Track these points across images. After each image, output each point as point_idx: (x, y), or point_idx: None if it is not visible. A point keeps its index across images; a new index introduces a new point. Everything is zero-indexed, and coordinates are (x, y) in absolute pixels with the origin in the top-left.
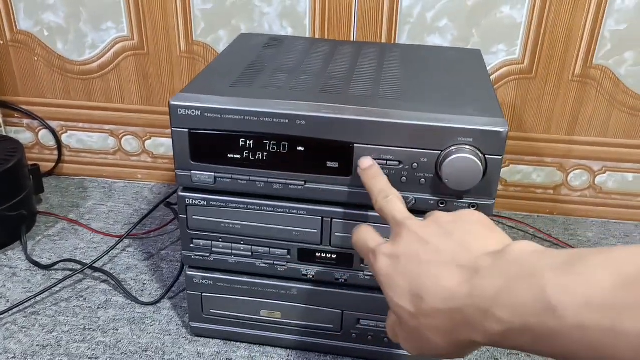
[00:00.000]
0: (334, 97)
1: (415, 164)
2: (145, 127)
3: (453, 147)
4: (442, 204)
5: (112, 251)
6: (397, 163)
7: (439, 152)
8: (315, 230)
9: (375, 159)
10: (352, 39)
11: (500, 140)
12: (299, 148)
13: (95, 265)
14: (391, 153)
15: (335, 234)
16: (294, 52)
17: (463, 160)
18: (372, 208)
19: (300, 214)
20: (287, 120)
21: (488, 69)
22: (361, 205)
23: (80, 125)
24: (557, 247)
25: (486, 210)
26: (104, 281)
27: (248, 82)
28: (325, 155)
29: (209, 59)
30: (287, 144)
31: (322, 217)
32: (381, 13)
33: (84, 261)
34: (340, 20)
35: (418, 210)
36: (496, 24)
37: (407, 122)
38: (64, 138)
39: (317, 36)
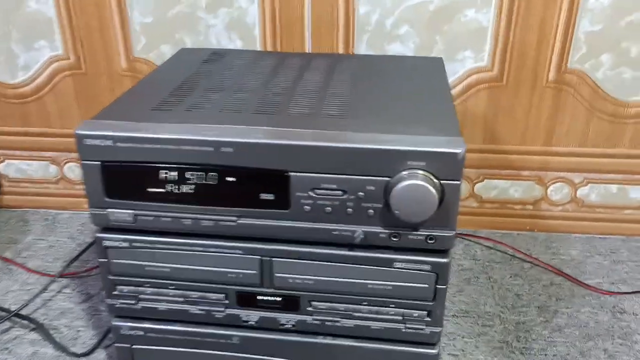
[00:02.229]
0: (268, 118)
1: (362, 193)
2: None
3: (403, 173)
4: (395, 237)
5: (46, 293)
6: (340, 193)
7: (388, 179)
8: (254, 272)
9: (315, 189)
10: (306, 50)
11: (456, 163)
12: (228, 179)
13: (23, 312)
14: (333, 181)
15: (278, 274)
16: (234, 68)
17: (414, 187)
18: (317, 244)
19: (235, 254)
20: (212, 148)
21: (454, 77)
22: (305, 242)
23: (18, 153)
24: (537, 267)
25: (445, 243)
26: (33, 329)
27: (173, 104)
28: (258, 186)
29: None
30: (215, 174)
31: (261, 256)
32: (336, 21)
33: (13, 307)
34: (293, 30)
35: (368, 246)
36: (461, 29)
37: (348, 146)
38: (1, 167)
39: (268, 48)
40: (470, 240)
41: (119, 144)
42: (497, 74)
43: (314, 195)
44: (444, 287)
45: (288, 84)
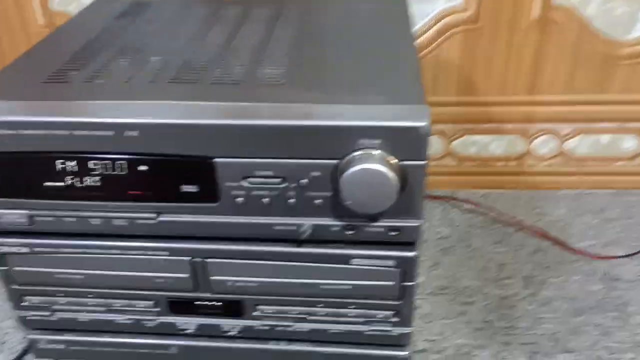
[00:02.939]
0: (187, 89)
1: (305, 180)
2: None
3: (354, 154)
4: (350, 230)
5: None
6: (278, 180)
7: (336, 161)
8: (186, 275)
9: (247, 177)
10: None
11: (419, 140)
12: (140, 168)
13: None
14: (269, 167)
15: (214, 277)
16: (155, 22)
17: (367, 172)
18: (255, 240)
19: (160, 255)
20: (112, 132)
21: (424, 21)
22: (241, 238)
23: None
24: (522, 232)
25: (411, 234)
26: None
27: (70, 74)
28: (177, 176)
29: None
30: (121, 164)
31: (192, 257)
32: None
33: None
34: None
35: (319, 240)
36: None
37: (284, 123)
38: None
39: None
40: (447, 204)
41: (1, 131)
42: (473, 14)
43: (247, 185)
44: (413, 283)
45: (217, 42)
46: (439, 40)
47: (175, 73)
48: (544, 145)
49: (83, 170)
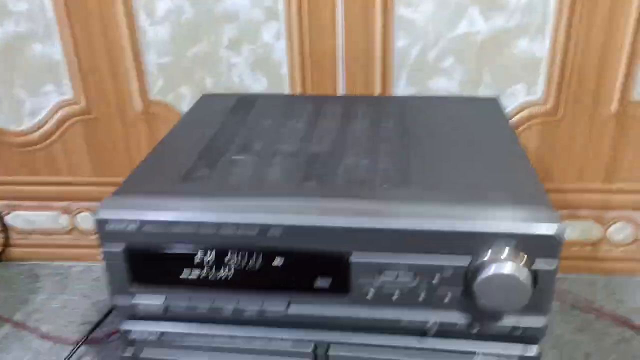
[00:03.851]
0: (319, 188)
1: (436, 279)
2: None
3: (488, 256)
4: (474, 328)
5: None
6: (410, 279)
7: (469, 261)
8: None
9: (380, 273)
10: (339, 90)
11: (552, 244)
12: (276, 262)
13: None
14: (402, 266)
15: None
16: (266, 117)
17: (502, 278)
18: (381, 333)
19: (286, 344)
20: (255, 232)
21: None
22: (367, 330)
23: (26, 203)
24: (603, 320)
25: (537, 333)
26: None
27: (205, 171)
28: (311, 270)
29: (172, 121)
30: (258, 258)
31: (315, 347)
32: (372, 57)
33: None
34: (324, 67)
35: (442, 336)
36: (512, 61)
37: (420, 226)
38: (8, 219)
39: (297, 88)
40: None
41: (145, 228)
42: (552, 107)
43: (379, 280)
44: None
45: (330, 138)
46: (519, 129)
47: (304, 172)
48: (619, 231)
49: (219, 263)
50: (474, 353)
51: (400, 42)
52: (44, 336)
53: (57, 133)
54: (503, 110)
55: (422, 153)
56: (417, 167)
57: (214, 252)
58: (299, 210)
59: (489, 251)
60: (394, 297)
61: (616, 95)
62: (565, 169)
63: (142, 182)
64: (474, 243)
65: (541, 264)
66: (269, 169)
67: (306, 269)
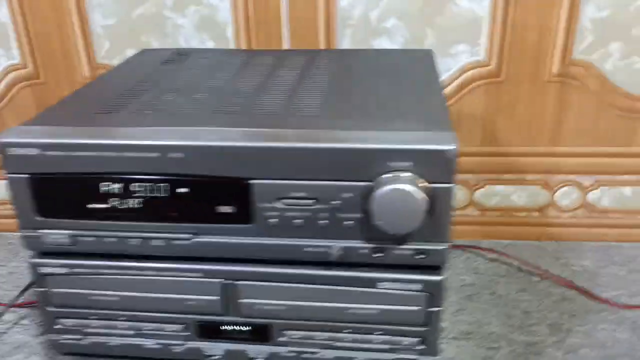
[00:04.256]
0: (227, 118)
1: (337, 202)
2: None
3: (385, 176)
4: (378, 252)
5: (1, 325)
6: (311, 201)
7: (367, 183)
8: (216, 297)
9: (282, 199)
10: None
11: (447, 163)
12: (180, 190)
13: None
14: (302, 188)
15: (243, 300)
16: (197, 67)
17: (398, 193)
18: (287, 263)
19: (193, 277)
20: (158, 154)
21: (448, 74)
22: (273, 261)
23: None
24: (547, 281)
25: (438, 257)
26: None
27: (120, 107)
28: (214, 197)
29: None
30: (163, 185)
31: (223, 280)
32: (316, 16)
33: None
34: (269, 28)
35: (348, 263)
36: (453, 21)
37: (317, 146)
38: None
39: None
40: (471, 252)
41: (49, 153)
42: (495, 69)
43: (281, 206)
44: (438, 309)
45: (255, 82)
46: (463, 92)
47: (215, 106)
48: (566, 196)
49: (125, 192)
50: (380, 280)
51: (343, 1)
52: None
53: (7, 98)
54: (433, 60)
55: (341, 93)
56: (331, 104)
57: (118, 181)
58: (198, 135)
59: (387, 173)
60: (296, 223)
61: (558, 55)
62: (512, 132)
63: (54, 115)
64: (372, 164)
65: (437, 185)
66: (183, 105)
67: (209, 196)
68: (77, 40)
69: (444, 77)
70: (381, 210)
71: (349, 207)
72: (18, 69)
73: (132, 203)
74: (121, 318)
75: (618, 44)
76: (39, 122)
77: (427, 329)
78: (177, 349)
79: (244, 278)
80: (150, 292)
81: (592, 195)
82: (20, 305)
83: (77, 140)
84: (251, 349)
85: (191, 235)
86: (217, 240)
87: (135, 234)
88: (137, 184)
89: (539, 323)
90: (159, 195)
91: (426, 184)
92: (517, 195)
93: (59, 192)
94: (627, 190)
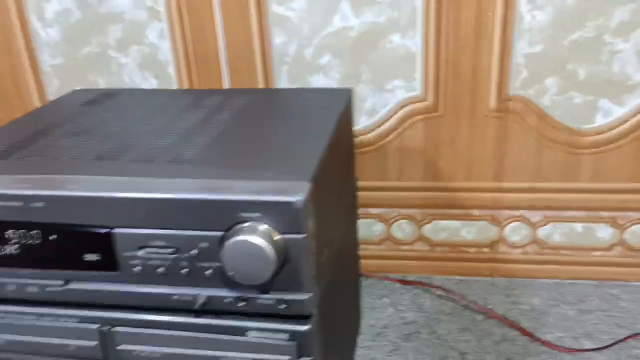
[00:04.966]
0: (105, 165)
1: (195, 251)
2: None
3: (237, 227)
4: (242, 301)
5: None
6: (171, 250)
7: (221, 233)
8: (95, 342)
9: (143, 247)
10: (224, 87)
11: (295, 213)
12: (50, 237)
13: None
14: (161, 238)
15: (121, 346)
16: (114, 109)
17: (244, 244)
18: (157, 310)
19: (70, 323)
20: (21, 203)
21: (386, 109)
22: (145, 308)
23: None
24: (491, 320)
25: (301, 307)
26: None
27: (14, 152)
28: (80, 245)
29: None
30: (33, 233)
31: (100, 325)
32: (253, 55)
33: None
34: (209, 66)
35: (215, 312)
36: (388, 57)
37: (171, 197)
38: None
39: (185, 86)
40: (420, 289)
41: None
42: (432, 104)
43: (143, 254)
44: (310, 359)
45: (160, 125)
46: (403, 126)
47: (103, 150)
48: (515, 232)
49: (2, 239)
50: (249, 329)
51: (277, 39)
52: None
53: None
54: (348, 100)
55: (231, 135)
56: (212, 149)
57: None
58: (62, 183)
59: (239, 223)
60: (160, 271)
61: (493, 90)
62: (454, 166)
63: None
64: (224, 214)
65: (289, 237)
66: (71, 151)
67: (75, 244)
68: (28, 79)
69: (382, 112)
70: (231, 261)
71: (207, 256)
72: None
73: (8, 250)
74: None
75: (554, 78)
76: None
77: None
78: None
79: (120, 324)
80: (32, 336)
81: (542, 231)
82: None
83: None
84: None
85: (63, 282)
86: (87, 287)
87: (11, 279)
88: (10, 231)
89: None
90: (32, 242)
91: (278, 235)
92: (467, 230)
93: None
94: (578, 226)
